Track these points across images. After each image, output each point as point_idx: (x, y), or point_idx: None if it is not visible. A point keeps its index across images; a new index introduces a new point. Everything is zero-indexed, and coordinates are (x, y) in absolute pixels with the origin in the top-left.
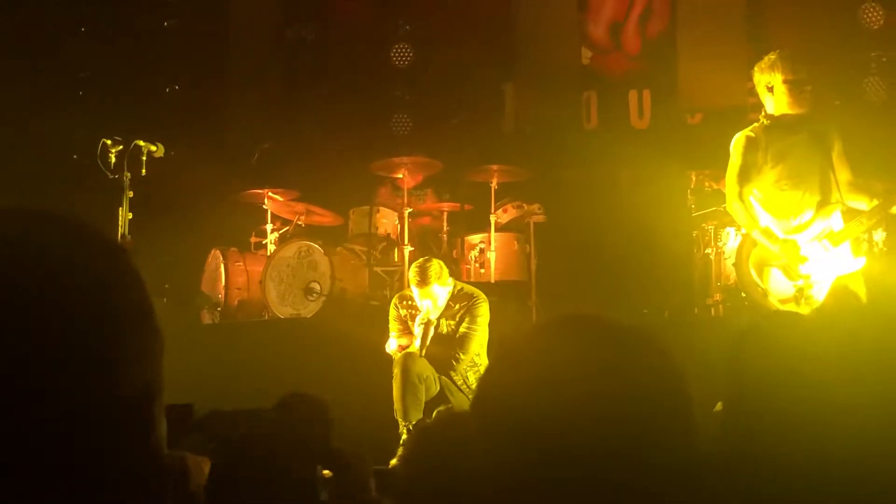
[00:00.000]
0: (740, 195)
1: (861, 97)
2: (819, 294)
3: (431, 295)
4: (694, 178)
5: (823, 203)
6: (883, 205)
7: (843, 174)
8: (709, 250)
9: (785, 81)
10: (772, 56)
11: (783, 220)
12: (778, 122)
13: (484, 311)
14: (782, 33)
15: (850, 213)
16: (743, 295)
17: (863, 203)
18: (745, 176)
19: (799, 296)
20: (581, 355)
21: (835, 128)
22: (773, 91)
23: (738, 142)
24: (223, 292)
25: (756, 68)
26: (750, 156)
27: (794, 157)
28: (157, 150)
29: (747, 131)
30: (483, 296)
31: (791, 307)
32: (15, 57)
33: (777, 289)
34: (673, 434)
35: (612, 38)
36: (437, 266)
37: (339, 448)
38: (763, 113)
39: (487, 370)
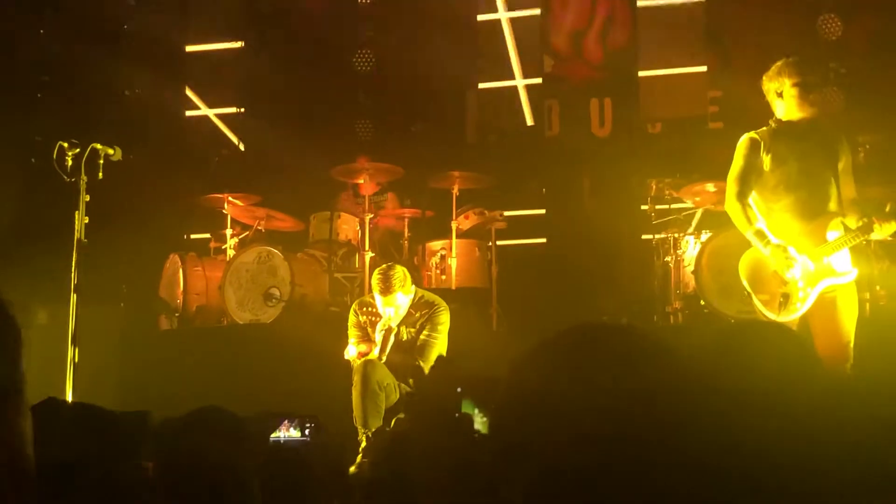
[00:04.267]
0: (738, 195)
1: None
2: (805, 301)
3: (394, 303)
4: (654, 187)
5: (819, 212)
6: (864, 228)
7: (845, 190)
8: (668, 258)
9: (794, 85)
10: (779, 63)
11: (777, 225)
12: (786, 127)
13: (445, 318)
14: (742, 45)
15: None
16: (702, 303)
17: (852, 223)
18: (745, 178)
19: (784, 301)
20: (598, 373)
21: (845, 142)
22: (782, 96)
23: (742, 143)
24: (181, 297)
25: (764, 77)
26: (752, 158)
27: (795, 162)
28: (114, 153)
29: (752, 133)
30: (444, 303)
31: (774, 312)
32: None
33: (764, 292)
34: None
35: (573, 47)
36: (400, 274)
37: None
38: (773, 118)
39: (506, 391)
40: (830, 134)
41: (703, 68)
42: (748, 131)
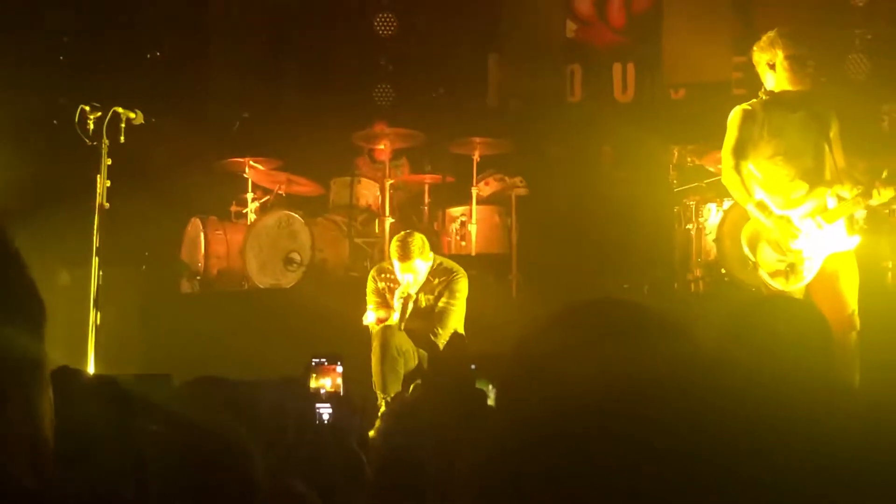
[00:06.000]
0: (735, 168)
1: (844, 74)
2: (810, 270)
3: (413, 269)
4: (676, 154)
5: (817, 181)
6: (864, 194)
7: (836, 158)
8: (690, 226)
9: (787, 57)
10: (771, 34)
11: (777, 195)
12: (777, 99)
13: (463, 286)
14: (768, 9)
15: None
16: (723, 271)
17: (845, 191)
18: (740, 149)
19: (789, 271)
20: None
21: (833, 110)
22: (774, 68)
23: (734, 115)
24: (202, 261)
25: (755, 47)
26: (746, 130)
27: (790, 133)
28: (136, 117)
29: (745, 105)
30: (462, 271)
31: (780, 282)
32: None
33: (768, 263)
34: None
35: (597, 11)
36: (419, 240)
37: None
38: (763, 89)
39: (510, 366)
40: (821, 103)
41: (728, 34)
42: None
